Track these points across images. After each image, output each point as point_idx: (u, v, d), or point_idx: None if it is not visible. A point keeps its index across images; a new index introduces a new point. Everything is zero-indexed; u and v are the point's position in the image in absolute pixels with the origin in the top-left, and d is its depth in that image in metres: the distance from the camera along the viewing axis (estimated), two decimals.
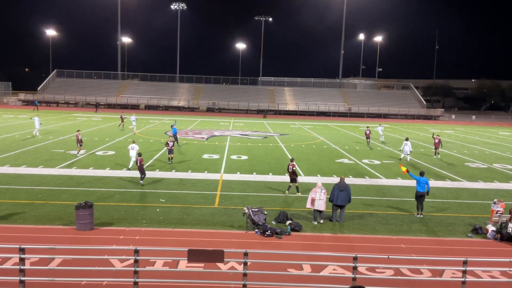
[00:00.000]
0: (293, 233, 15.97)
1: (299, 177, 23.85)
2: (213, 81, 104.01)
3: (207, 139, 42.38)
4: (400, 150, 33.30)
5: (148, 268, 12.24)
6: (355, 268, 11.09)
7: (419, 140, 47.75)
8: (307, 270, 12.75)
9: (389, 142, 45.02)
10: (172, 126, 37.62)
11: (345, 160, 32.26)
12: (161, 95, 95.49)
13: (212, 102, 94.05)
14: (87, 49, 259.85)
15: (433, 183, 24.80)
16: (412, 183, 22.35)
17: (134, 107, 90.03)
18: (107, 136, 41.39)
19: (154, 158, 30.14)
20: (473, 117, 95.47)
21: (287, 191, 21.82)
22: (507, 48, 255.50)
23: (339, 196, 17.40)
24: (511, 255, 14.56)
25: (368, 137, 41.80)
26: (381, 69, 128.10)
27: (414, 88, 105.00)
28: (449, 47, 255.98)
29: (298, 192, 21.72)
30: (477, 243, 15.93)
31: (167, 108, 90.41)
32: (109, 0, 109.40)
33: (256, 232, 15.80)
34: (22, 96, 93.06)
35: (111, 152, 31.80)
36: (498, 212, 17.61)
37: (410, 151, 32.63)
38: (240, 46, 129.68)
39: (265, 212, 16.50)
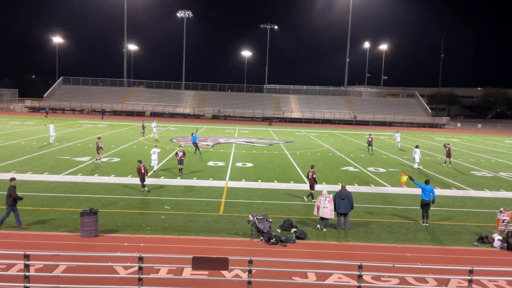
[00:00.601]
0: (298, 241, 15.91)
1: (304, 184, 23.84)
2: (219, 89, 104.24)
3: (212, 146, 42.41)
4: (413, 158, 33.29)
5: (152, 275, 12.22)
6: (360, 276, 11.03)
7: (424, 148, 47.56)
8: (312, 278, 12.69)
9: (394, 150, 44.90)
10: (192, 134, 37.83)
11: (350, 168, 32.19)
12: (167, 102, 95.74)
13: (218, 109, 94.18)
14: (93, 56, 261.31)
15: (438, 191, 24.70)
16: (418, 191, 22.29)
17: (140, 114, 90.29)
18: (112, 143, 41.50)
19: (159, 165, 30.14)
20: (479, 125, 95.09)
21: (305, 197, 22.10)
22: None
23: (341, 204, 17.34)
24: None
25: (370, 144, 42.08)
26: (386, 77, 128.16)
27: (419, 96, 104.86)
28: (455, 55, 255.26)
29: (312, 198, 21.69)
30: (483, 252, 15.81)
31: (173, 115, 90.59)
32: (115, 7, 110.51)
33: (261, 240, 15.76)
34: (28, 102, 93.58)
35: (116, 159, 31.87)
36: (504, 221, 17.51)
37: (420, 158, 32.67)
38: (246, 53, 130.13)
39: (270, 220, 16.46)
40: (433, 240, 16.81)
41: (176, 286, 11.77)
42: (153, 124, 47.85)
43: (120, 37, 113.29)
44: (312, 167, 22.85)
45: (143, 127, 51.25)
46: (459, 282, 12.57)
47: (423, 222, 18.60)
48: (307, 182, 23.17)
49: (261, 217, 16.29)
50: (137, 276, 11.14)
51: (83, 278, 11.82)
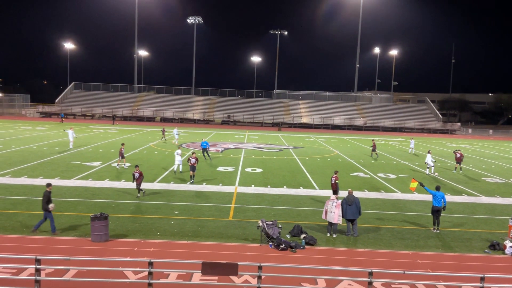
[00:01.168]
0: (307, 247, 15.86)
1: (313, 190, 23.78)
2: (228, 94, 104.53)
3: (222, 151, 42.48)
4: (425, 163, 33.21)
5: (162, 280, 12.24)
6: (370, 283, 10.97)
7: (435, 154, 47.25)
8: (321, 284, 12.64)
9: (405, 155, 44.70)
10: (203, 139, 38.06)
11: (360, 174, 32.07)
12: (177, 108, 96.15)
13: (227, 114, 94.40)
14: (104, 62, 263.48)
15: (450, 197, 24.53)
16: (429, 197, 22.13)
17: (150, 120, 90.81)
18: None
19: (169, 170, 30.25)
20: (490, 131, 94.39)
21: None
22: None
23: (348, 210, 17.27)
24: None
25: (374, 149, 42.42)
26: (396, 83, 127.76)
27: (430, 102, 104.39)
28: (466, 60, 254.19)
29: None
30: (494, 259, 15.66)
31: (183, 121, 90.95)
32: (126, 14, 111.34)
33: (271, 246, 15.73)
34: (40, 108, 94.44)
35: (126, 164, 32.00)
36: None
37: (433, 162, 32.67)
38: (256, 59, 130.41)
39: (280, 225, 16.44)
40: (444, 247, 16.69)
41: None
42: (175, 131, 48.27)
43: (131, 43, 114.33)
44: (336, 172, 23.21)
45: (163, 133, 51.76)
46: None
47: (434, 229, 18.47)
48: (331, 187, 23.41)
49: (271, 222, 16.27)
50: (147, 281, 11.18)
51: (93, 282, 11.88)
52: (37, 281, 11.06)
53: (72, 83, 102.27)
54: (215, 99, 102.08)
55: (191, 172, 26.30)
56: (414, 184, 19.55)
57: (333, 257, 15.20)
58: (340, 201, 17.48)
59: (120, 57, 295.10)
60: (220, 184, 26.20)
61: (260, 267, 11.02)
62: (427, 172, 32.68)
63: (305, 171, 32.45)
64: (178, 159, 28.90)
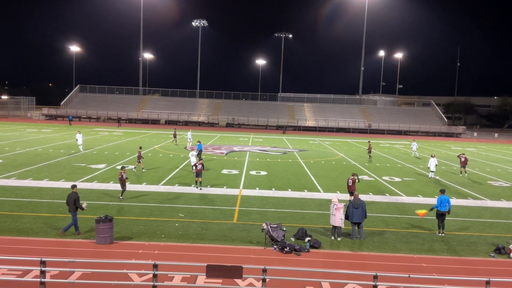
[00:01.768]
0: (312, 250, 15.84)
1: (318, 193, 23.75)
2: (233, 97, 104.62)
3: (226, 154, 42.50)
4: (428, 167, 32.95)
5: (166, 283, 12.24)
6: (375, 287, 10.94)
7: (441, 157, 47.12)
8: None
9: (410, 159, 44.60)
10: (198, 141, 38.21)
11: (365, 177, 32.00)
12: (181, 110, 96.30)
13: (232, 117, 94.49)
14: (110, 65, 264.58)
15: (455, 201, 24.46)
16: (434, 201, 22.04)
17: (155, 122, 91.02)
18: (128, 150, 41.81)
19: (174, 173, 30.30)
20: (496, 134, 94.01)
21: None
22: None
23: (355, 213, 17.24)
24: None
25: (369, 151, 43.03)
26: (401, 86, 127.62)
27: (435, 105, 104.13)
28: (471, 63, 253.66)
29: None
30: (500, 263, 15.58)
31: (187, 123, 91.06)
32: (132, 17, 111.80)
33: (275, 249, 15.72)
34: (45, 110, 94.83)
35: (131, 167, 32.06)
36: None
37: (435, 166, 32.38)
38: (260, 62, 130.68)
39: (284, 228, 16.42)
40: (449, 250, 16.62)
41: None
42: (189, 134, 48.17)
43: (136, 46, 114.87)
44: (353, 174, 23.49)
45: (175, 135, 52.10)
46: None
47: (439, 233, 18.41)
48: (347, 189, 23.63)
49: (275, 225, 16.26)
50: (152, 283, 11.19)
51: (98, 284, 11.90)
52: (42, 283, 11.09)
53: (78, 86, 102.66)
54: (220, 102, 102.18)
55: (197, 178, 25.56)
56: (422, 211, 19.31)
57: (337, 261, 15.17)
58: (341, 204, 17.45)
59: (125, 60, 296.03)
60: (225, 187, 26.21)
61: (264, 270, 11.01)
62: (430, 175, 32.44)
63: (309, 174, 32.41)
64: (193, 160, 29.40)
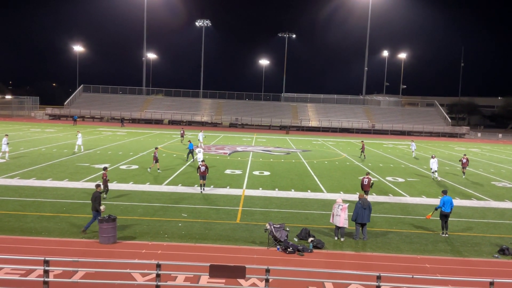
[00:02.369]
0: (315, 250, 15.82)
1: (321, 193, 23.70)
2: (236, 97, 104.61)
3: (229, 154, 42.50)
4: (430, 168, 32.76)
5: (169, 282, 12.24)
6: (378, 287, 10.91)
7: (444, 158, 47.06)
8: None
9: (413, 159, 44.51)
10: (189, 141, 38.43)
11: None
12: (185, 110, 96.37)
13: (235, 117, 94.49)
14: (113, 65, 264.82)
15: (458, 202, 24.41)
16: (437, 202, 21.99)
17: (158, 122, 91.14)
18: (131, 150, 41.87)
19: (177, 173, 30.32)
20: (500, 135, 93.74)
21: None
22: None
23: (364, 214, 17.20)
24: None
25: (362, 150, 43.77)
26: (405, 86, 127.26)
27: (439, 105, 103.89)
28: (475, 64, 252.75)
29: None
30: (504, 264, 15.53)
31: (190, 123, 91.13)
32: (135, 17, 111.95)
33: (278, 249, 15.71)
34: (49, 110, 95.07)
35: (134, 167, 32.12)
36: None
37: (437, 168, 32.14)
38: (264, 62, 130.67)
39: (287, 229, 16.41)
40: (453, 251, 16.58)
41: None
42: (200, 134, 48.16)
43: (139, 46, 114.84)
44: (367, 174, 24.13)
45: (182, 135, 52.53)
46: None
47: (443, 233, 18.36)
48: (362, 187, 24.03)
49: (278, 225, 16.25)
50: (155, 283, 11.19)
51: (101, 284, 11.91)
52: (45, 283, 11.11)
53: (81, 86, 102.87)
54: (223, 102, 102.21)
55: (201, 181, 24.79)
56: (429, 213, 19.30)
57: (340, 261, 15.15)
58: (346, 204, 17.42)
59: (128, 60, 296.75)
60: (228, 187, 26.21)
61: (267, 270, 11.00)
62: (435, 175, 32.26)
63: (313, 174, 32.38)
64: (200, 157, 31.35)
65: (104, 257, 14.21)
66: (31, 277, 12.42)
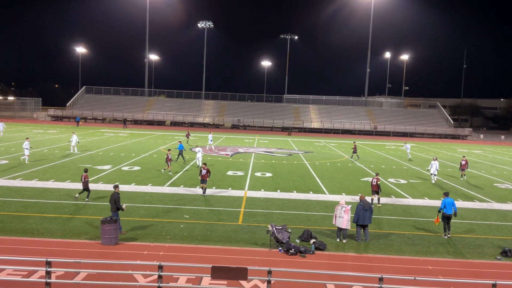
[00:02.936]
0: (317, 252, 15.81)
1: (323, 195, 23.64)
2: (238, 98, 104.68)
3: (231, 155, 42.50)
4: (427, 170, 32.52)
5: (171, 284, 12.24)
6: None
7: (447, 160, 47.00)
8: None
9: (415, 161, 44.45)
10: (179, 142, 38.72)
11: (371, 179, 31.87)
12: (187, 112, 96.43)
13: (237, 119, 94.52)
14: (116, 66, 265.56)
15: (461, 203, 24.37)
16: (439, 203, 21.95)
17: (160, 124, 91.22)
18: (133, 152, 41.90)
19: (179, 174, 30.33)
20: (502, 137, 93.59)
21: (378, 205, 23.43)
22: None
23: (366, 215, 17.18)
24: None
25: (354, 151, 43.96)
26: (407, 88, 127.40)
27: (441, 107, 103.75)
28: (477, 65, 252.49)
29: (378, 203, 23.58)
30: (506, 266, 15.49)
31: (193, 125, 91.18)
32: (137, 18, 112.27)
33: (280, 250, 15.69)
34: (51, 111, 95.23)
35: (136, 168, 32.14)
36: None
37: (437, 170, 31.78)
38: (266, 63, 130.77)
39: (289, 230, 16.40)
40: (455, 253, 16.54)
41: None
42: (210, 136, 47.97)
43: (142, 47, 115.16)
44: (377, 174, 24.28)
45: (188, 136, 53.10)
46: None
47: (445, 235, 18.33)
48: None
49: (280, 227, 16.24)
50: (157, 284, 11.19)
51: (103, 285, 11.92)
52: (47, 284, 11.12)
53: (84, 87, 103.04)
54: (225, 103, 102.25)
55: (201, 184, 24.12)
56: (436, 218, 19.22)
57: (342, 263, 15.12)
58: (349, 206, 17.41)
59: (131, 61, 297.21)
60: (230, 188, 26.21)
61: (269, 272, 10.99)
62: (434, 179, 31.46)
63: (315, 176, 32.37)
64: (199, 156, 33.31)
65: (106, 258, 14.22)
66: (33, 278, 12.44)
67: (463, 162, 33.66)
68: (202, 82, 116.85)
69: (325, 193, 26.16)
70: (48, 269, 11.11)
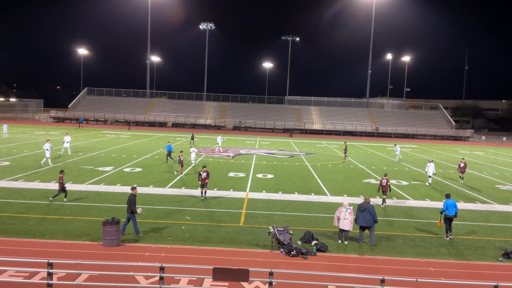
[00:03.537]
0: (318, 254, 15.79)
1: (325, 196, 23.59)
2: (240, 100, 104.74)
3: (233, 157, 42.50)
4: (426, 172, 32.26)
5: (173, 285, 12.25)
6: None
7: (448, 161, 46.95)
8: None
9: (417, 162, 44.41)
10: (168, 142, 38.91)
11: (372, 180, 31.89)
12: (188, 113, 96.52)
13: (239, 120, 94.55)
14: (117, 68, 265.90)
15: (462, 205, 24.33)
16: (441, 205, 21.93)
17: (162, 125, 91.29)
18: (135, 153, 41.93)
19: (181, 175, 30.33)
20: (504, 138, 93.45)
21: (382, 204, 23.58)
22: None
23: (359, 216, 17.15)
24: None
25: (345, 151, 45.20)
26: (409, 89, 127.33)
27: (443, 108, 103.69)
28: (479, 67, 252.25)
29: (384, 203, 23.88)
30: (508, 268, 15.45)
31: (194, 126, 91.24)
32: (139, 20, 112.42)
33: (281, 252, 15.68)
34: (53, 113, 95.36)
35: (138, 169, 32.16)
36: None
37: (434, 173, 31.49)
38: (267, 65, 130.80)
39: (291, 232, 16.38)
40: (457, 255, 16.51)
41: None
42: (219, 138, 48.16)
43: (143, 49, 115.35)
44: (385, 175, 24.32)
45: (193, 137, 53.47)
46: None
47: (447, 237, 18.30)
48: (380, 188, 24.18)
49: (282, 228, 16.22)
50: (158, 286, 11.18)
51: (105, 287, 11.91)
52: (49, 285, 11.12)
53: (85, 89, 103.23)
54: (227, 105, 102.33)
55: (201, 188, 23.47)
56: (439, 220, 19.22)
57: (344, 264, 15.10)
58: (352, 207, 17.39)
59: (132, 63, 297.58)
60: (231, 190, 26.20)
61: (271, 273, 10.98)
62: (429, 181, 31.20)
63: (316, 177, 32.35)
64: (193, 156, 34.45)
65: (108, 259, 14.22)
66: (35, 280, 12.44)
67: (462, 165, 33.29)
68: (204, 84, 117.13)
69: (326, 195, 26.14)
70: (50, 270, 11.11)
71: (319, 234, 17.88)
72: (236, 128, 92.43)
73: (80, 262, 11.88)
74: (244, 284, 12.42)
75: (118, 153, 41.23)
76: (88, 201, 22.08)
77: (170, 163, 35.91)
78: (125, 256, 14.69)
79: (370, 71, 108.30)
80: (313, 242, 16.37)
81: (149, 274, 12.61)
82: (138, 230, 16.83)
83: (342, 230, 17.18)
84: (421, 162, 45.12)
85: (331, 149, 56.64)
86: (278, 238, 15.90)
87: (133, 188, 17.42)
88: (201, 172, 23.09)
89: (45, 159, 32.35)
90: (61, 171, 21.95)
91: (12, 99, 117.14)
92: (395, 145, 49.40)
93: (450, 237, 18.28)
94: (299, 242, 16.76)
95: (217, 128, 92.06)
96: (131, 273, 12.63)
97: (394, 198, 26.04)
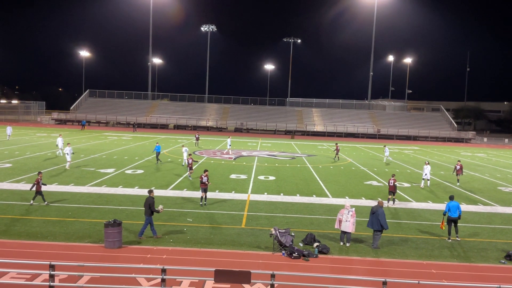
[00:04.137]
0: (320, 256, 15.77)
1: (326, 198, 23.57)
2: (241, 102, 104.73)
3: (234, 159, 42.50)
4: (425, 174, 31.93)
5: (174, 287, 12.24)
6: None
7: (449, 163, 46.87)
8: None
9: (419, 164, 44.36)
10: (157, 143, 39.09)
11: (374, 182, 31.86)
12: (190, 115, 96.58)
13: (240, 122, 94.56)
14: (119, 70, 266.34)
15: (465, 207, 24.29)
16: (443, 207, 21.89)
17: (163, 127, 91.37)
18: (136, 155, 41.95)
19: (182, 177, 30.35)
20: (506, 140, 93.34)
21: (388, 203, 24.09)
22: None
23: (369, 219, 17.15)
24: None
25: (337, 152, 45.50)
26: (410, 91, 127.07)
27: (444, 110, 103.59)
28: (481, 69, 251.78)
29: (393, 203, 24.51)
30: (510, 270, 15.41)
31: (196, 128, 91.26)
32: (141, 22, 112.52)
33: (283, 254, 15.67)
34: (55, 115, 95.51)
35: (140, 171, 32.17)
36: None
37: (425, 175, 30.93)
38: (269, 67, 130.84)
39: (292, 234, 16.37)
40: (459, 257, 16.48)
41: None
42: (228, 140, 47.84)
43: (145, 51, 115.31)
44: (393, 175, 24.81)
45: (197, 139, 54.19)
46: None
47: (449, 239, 18.27)
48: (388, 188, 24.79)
49: (284, 230, 16.21)
50: None
51: None
52: (51, 287, 11.12)
53: (87, 91, 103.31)
54: (228, 107, 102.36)
55: (202, 193, 22.63)
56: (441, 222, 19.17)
57: (346, 266, 15.08)
58: (354, 209, 17.37)
59: (134, 65, 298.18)
60: (233, 192, 26.20)
61: (273, 275, 10.97)
62: (422, 183, 31.04)
63: (318, 179, 32.33)
64: (185, 156, 34.78)
65: (110, 261, 14.22)
66: (37, 282, 12.45)
67: (458, 167, 33.02)
68: (205, 86, 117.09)
69: (328, 197, 26.12)
70: (52, 272, 11.12)
71: (321, 236, 17.86)
72: (238, 130, 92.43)
73: (82, 264, 11.88)
74: (246, 286, 12.41)
75: (120, 155, 41.26)
76: (90, 203, 22.09)
77: (158, 164, 36.08)
78: (127, 258, 14.69)
79: (371, 73, 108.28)
80: (315, 244, 16.35)
81: (151, 276, 12.59)
82: (156, 232, 16.99)
83: (344, 232, 17.16)
84: (423, 164, 45.01)
85: (332, 151, 56.57)
86: (280, 240, 15.89)
87: (150, 191, 17.41)
88: (203, 176, 22.52)
89: (68, 163, 32.27)
90: (39, 173, 21.87)
91: (14, 101, 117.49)
92: (385, 146, 49.42)
93: (458, 238, 18.25)
94: (301, 244, 16.74)
95: (219, 130, 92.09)
96: (133, 275, 12.63)
97: (396, 199, 25.99)
